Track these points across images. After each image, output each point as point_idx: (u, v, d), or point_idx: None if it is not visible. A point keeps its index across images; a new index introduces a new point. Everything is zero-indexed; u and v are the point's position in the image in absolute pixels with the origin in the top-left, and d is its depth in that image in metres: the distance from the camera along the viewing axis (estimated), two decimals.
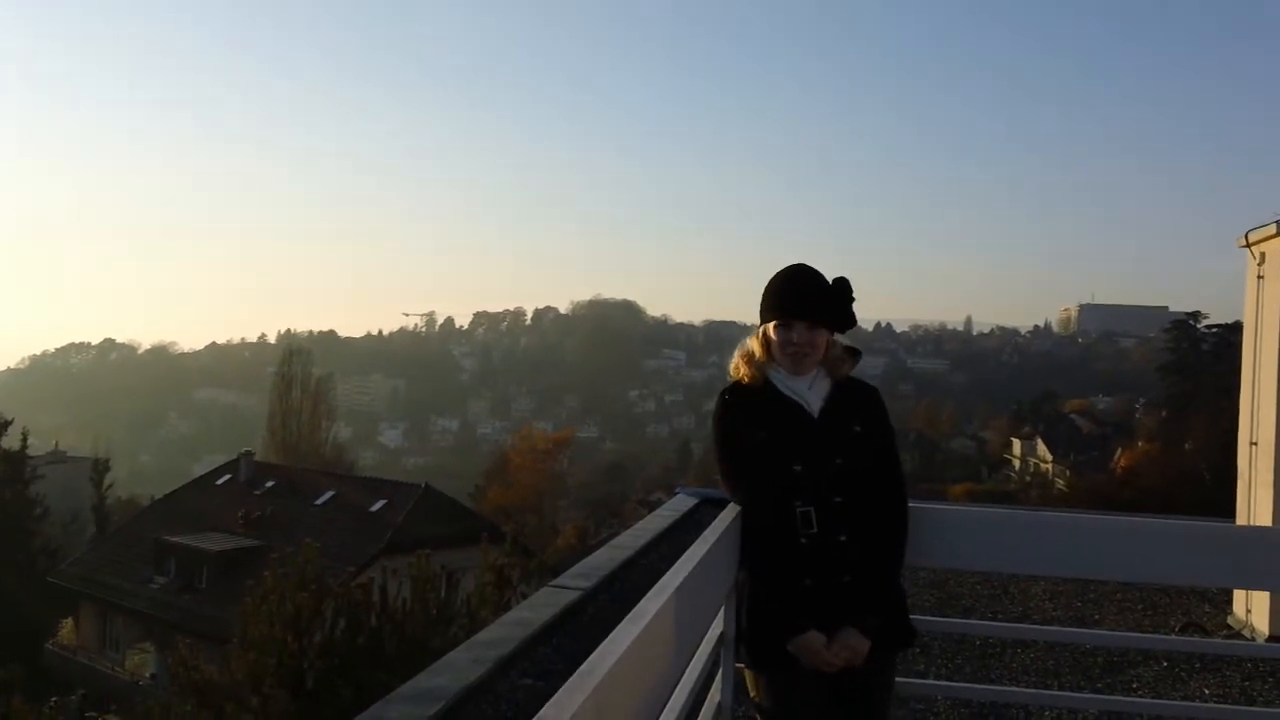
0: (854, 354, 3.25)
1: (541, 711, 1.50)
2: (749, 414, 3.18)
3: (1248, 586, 6.97)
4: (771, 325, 3.19)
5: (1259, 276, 7.80)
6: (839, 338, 3.23)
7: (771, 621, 3.07)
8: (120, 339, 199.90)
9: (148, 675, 30.70)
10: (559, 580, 7.37)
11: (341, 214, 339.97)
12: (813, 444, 3.11)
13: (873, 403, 3.25)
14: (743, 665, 3.21)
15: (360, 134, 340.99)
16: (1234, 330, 59.62)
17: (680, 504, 10.51)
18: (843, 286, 3.20)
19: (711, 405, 3.32)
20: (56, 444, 57.55)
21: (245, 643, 9.84)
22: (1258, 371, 7.81)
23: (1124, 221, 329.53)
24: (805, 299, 3.17)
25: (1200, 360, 59.93)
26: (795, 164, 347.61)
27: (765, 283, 3.23)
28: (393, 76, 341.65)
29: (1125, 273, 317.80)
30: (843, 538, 3.06)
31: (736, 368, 3.25)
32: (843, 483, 3.09)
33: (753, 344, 3.25)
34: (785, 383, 3.18)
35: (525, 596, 9.72)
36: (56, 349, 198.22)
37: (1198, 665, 6.50)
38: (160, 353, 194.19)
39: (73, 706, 29.53)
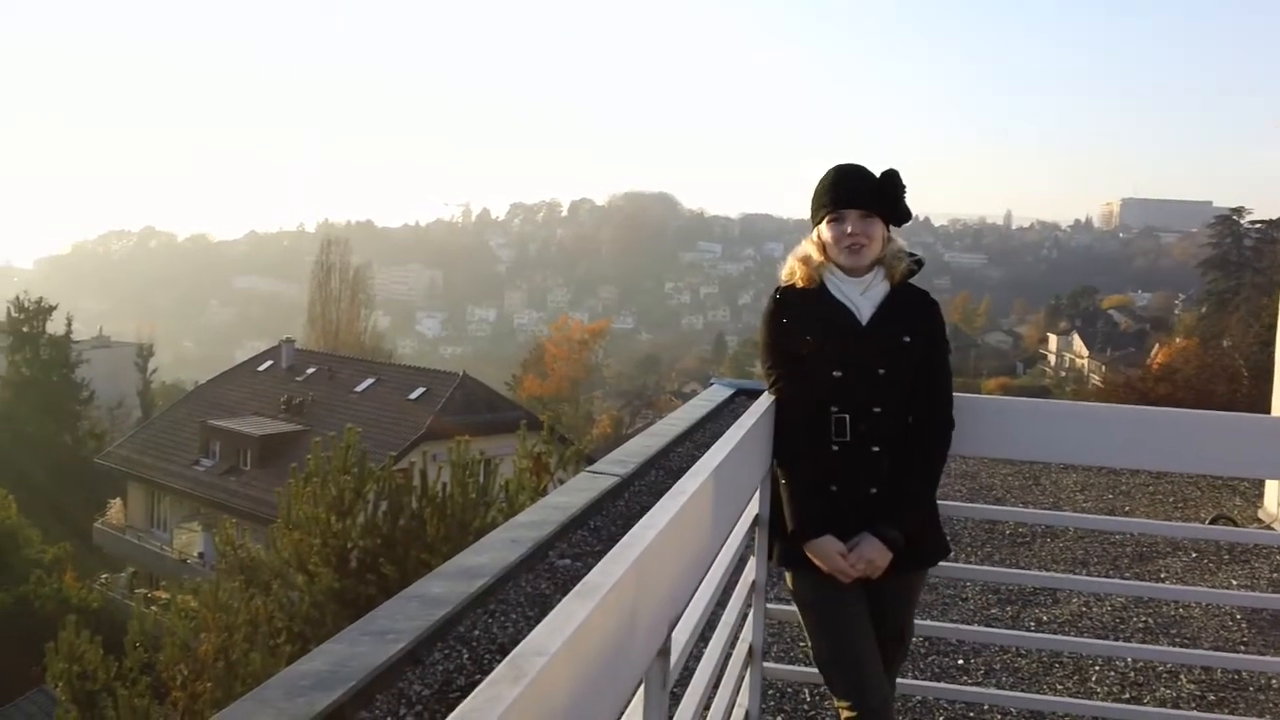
0: (915, 259, 3.12)
1: (586, 577, 1.56)
2: (796, 316, 3.07)
3: None
4: (825, 223, 3.08)
5: None
6: (895, 235, 3.11)
7: (792, 523, 3.02)
8: (160, 227, 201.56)
9: (195, 554, 31.66)
10: (595, 466, 7.47)
11: (379, 104, 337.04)
12: (856, 351, 3.01)
13: (928, 313, 3.12)
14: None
15: (398, 19, 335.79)
16: (1278, 226, 58.53)
17: (715, 394, 10.58)
18: (893, 178, 3.07)
19: (746, 299, 3.25)
20: (101, 329, 58.42)
21: (290, 523, 10.09)
22: None
23: (1169, 114, 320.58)
24: (856, 188, 3.05)
25: (1243, 256, 59.01)
26: (833, 55, 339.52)
27: (803, 176, 3.14)
28: None
29: (1170, 167, 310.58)
30: (876, 448, 2.98)
31: (791, 271, 3.12)
32: (884, 393, 3.00)
33: (808, 246, 3.12)
34: (839, 286, 3.07)
35: (562, 482, 9.91)
36: (98, 236, 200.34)
37: (1226, 557, 6.55)
38: (199, 240, 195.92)
39: (123, 583, 30.73)
